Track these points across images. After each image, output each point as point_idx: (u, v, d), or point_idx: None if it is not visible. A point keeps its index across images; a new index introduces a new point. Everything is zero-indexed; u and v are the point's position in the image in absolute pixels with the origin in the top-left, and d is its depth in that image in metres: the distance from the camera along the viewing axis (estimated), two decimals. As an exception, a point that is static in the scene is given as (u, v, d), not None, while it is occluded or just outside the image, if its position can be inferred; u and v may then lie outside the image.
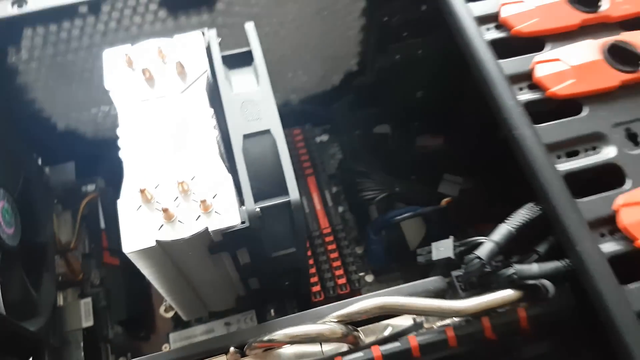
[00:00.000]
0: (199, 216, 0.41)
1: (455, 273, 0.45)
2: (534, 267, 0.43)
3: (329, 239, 0.64)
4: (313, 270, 0.62)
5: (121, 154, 0.44)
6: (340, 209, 0.68)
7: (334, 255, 0.64)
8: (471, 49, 0.51)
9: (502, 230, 0.43)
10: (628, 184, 0.44)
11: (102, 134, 0.68)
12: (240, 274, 0.50)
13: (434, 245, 0.47)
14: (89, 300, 0.60)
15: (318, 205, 0.66)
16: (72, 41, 0.57)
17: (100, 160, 0.68)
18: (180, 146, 0.44)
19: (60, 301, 0.61)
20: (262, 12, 0.61)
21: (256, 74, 0.48)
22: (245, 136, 0.44)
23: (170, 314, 0.63)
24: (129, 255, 0.40)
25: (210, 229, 0.40)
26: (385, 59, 0.66)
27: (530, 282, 0.43)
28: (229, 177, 0.42)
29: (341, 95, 0.73)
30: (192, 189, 0.42)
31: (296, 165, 0.69)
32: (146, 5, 0.57)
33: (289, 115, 0.72)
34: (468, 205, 0.62)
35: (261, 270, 0.50)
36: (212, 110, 0.46)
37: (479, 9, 0.53)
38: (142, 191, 0.41)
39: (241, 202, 0.42)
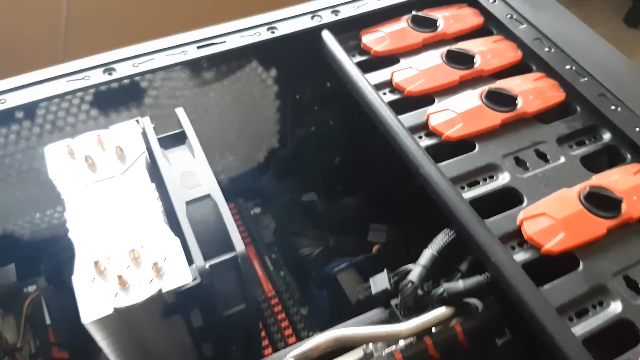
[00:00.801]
0: (152, 279, 0.43)
1: (394, 302, 0.50)
2: (460, 283, 0.48)
3: (274, 301, 0.68)
4: (263, 333, 0.64)
5: (70, 235, 0.46)
6: (282, 273, 0.72)
7: (282, 316, 0.67)
8: (375, 110, 0.59)
9: (427, 255, 0.49)
10: (525, 201, 0.52)
11: (40, 234, 0.69)
12: (194, 339, 0.51)
13: (372, 280, 0.52)
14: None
15: (260, 271, 0.70)
16: (9, 145, 0.60)
17: (39, 261, 0.68)
18: (127, 219, 0.47)
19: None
20: (186, 102, 0.67)
21: (191, 150, 0.53)
22: (188, 202, 0.48)
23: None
24: (87, 326, 0.42)
25: (163, 290, 0.43)
26: (302, 132, 0.74)
27: (461, 300, 0.49)
28: (177, 240, 0.45)
29: (267, 170, 0.79)
30: (143, 255, 0.44)
31: (234, 237, 0.73)
32: (78, 106, 0.61)
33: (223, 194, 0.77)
34: (396, 249, 0.68)
35: (214, 333, 0.52)
36: (153, 185, 0.50)
37: (375, 79, 0.63)
38: (95, 263, 0.43)
39: (190, 262, 0.46)
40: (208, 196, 0.49)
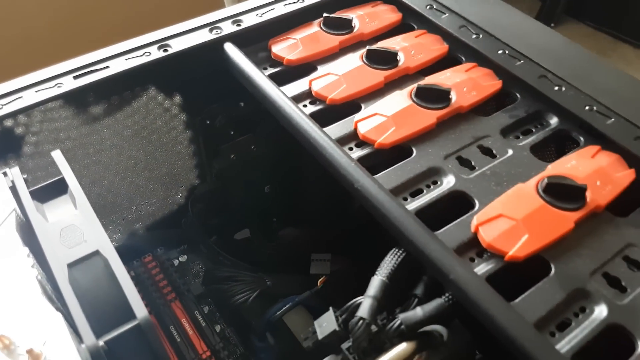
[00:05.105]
0: (29, 372, 0.33)
1: (345, 345, 0.41)
2: (418, 311, 0.40)
3: (210, 363, 0.57)
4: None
5: None
6: (218, 327, 0.62)
7: (221, 379, 0.56)
8: (296, 125, 0.51)
9: (375, 283, 0.41)
10: (477, 205, 0.45)
11: None
12: None
13: (317, 323, 0.43)
14: None
15: (190, 330, 0.60)
16: None
17: None
18: (-6, 299, 0.37)
19: None
20: (75, 145, 0.57)
21: (73, 198, 0.43)
22: (70, 265, 0.38)
23: None
24: None
25: (45, 384, 0.33)
26: (221, 162, 0.65)
27: (423, 329, 0.41)
28: (58, 315, 0.36)
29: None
30: (16, 341, 0.34)
31: (155, 294, 0.63)
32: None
33: (138, 246, 0.67)
34: (346, 279, 0.59)
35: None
36: (26, 250, 0.39)
37: (292, 90, 0.55)
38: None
39: (80, 341, 0.36)
40: (96, 253, 0.39)
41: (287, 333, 0.60)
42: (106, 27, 1.36)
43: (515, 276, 0.41)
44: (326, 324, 0.42)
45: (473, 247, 0.42)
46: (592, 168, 0.46)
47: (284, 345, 0.60)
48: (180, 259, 0.69)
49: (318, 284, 0.59)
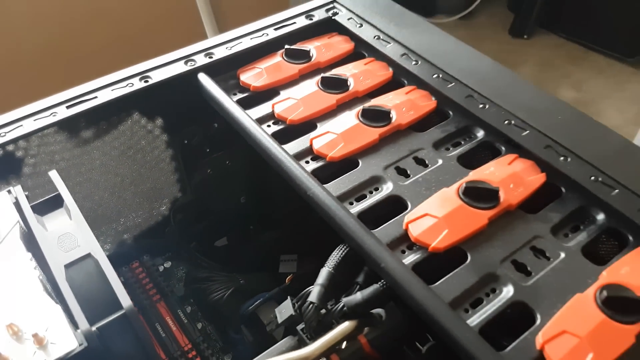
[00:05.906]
0: (35, 352, 0.41)
1: (299, 327, 0.49)
2: (358, 295, 0.49)
3: (192, 354, 0.65)
4: (183, 389, 0.62)
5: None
6: (199, 325, 0.70)
7: (201, 368, 0.64)
8: (259, 143, 0.59)
9: (323, 273, 0.49)
10: (409, 206, 0.53)
11: None
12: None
13: (277, 310, 0.51)
14: None
15: (173, 327, 0.68)
16: None
17: None
18: (3, 294, 0.45)
19: None
20: (69, 165, 0.65)
21: (68, 211, 0.51)
22: (67, 266, 0.46)
23: None
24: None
25: (49, 360, 0.41)
26: (198, 176, 0.73)
27: (365, 312, 0.49)
28: (57, 307, 0.44)
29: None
30: (23, 328, 0.42)
31: (142, 295, 0.71)
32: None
33: (126, 254, 0.75)
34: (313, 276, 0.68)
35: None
36: (29, 254, 0.47)
37: (257, 113, 0.63)
38: (-32, 345, 0.40)
39: (76, 327, 0.44)
40: (88, 255, 0.47)
41: (260, 325, 0.68)
42: (93, 53, 1.45)
43: (438, 264, 0.49)
44: (284, 310, 0.51)
45: (404, 242, 0.50)
46: (507, 173, 0.55)
47: (261, 334, 0.67)
48: (165, 265, 0.77)
49: (286, 281, 0.67)
